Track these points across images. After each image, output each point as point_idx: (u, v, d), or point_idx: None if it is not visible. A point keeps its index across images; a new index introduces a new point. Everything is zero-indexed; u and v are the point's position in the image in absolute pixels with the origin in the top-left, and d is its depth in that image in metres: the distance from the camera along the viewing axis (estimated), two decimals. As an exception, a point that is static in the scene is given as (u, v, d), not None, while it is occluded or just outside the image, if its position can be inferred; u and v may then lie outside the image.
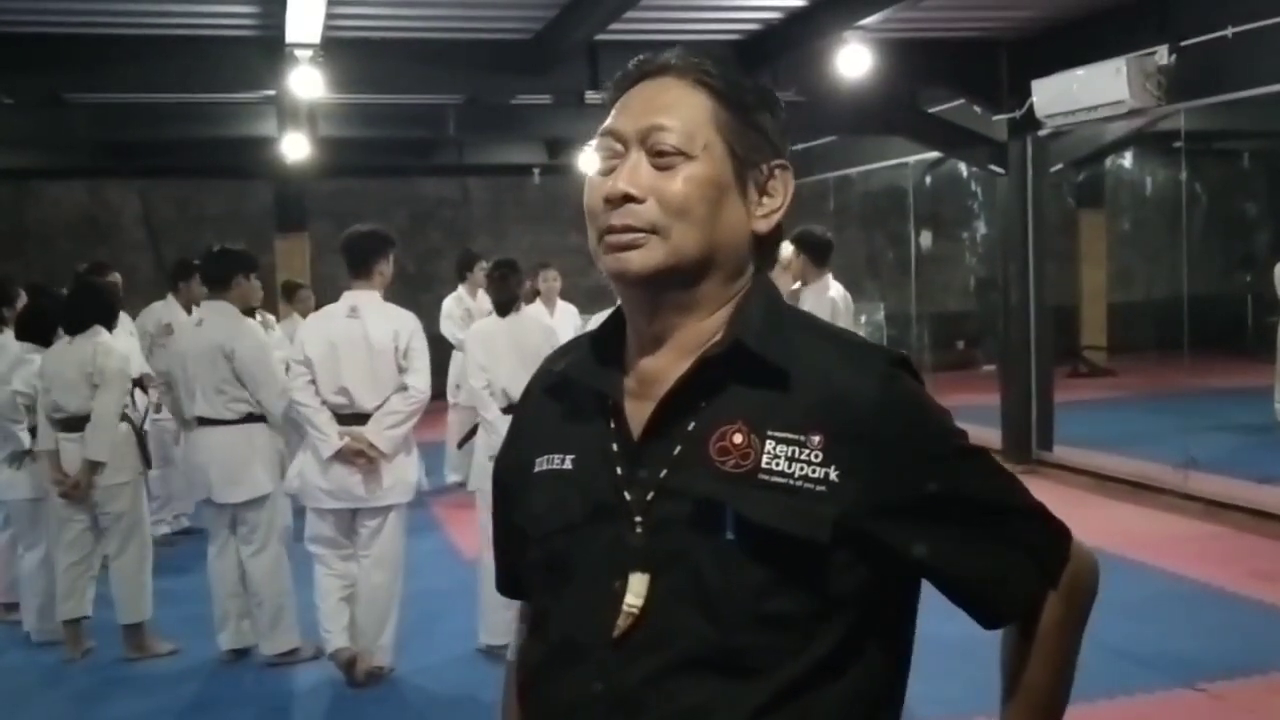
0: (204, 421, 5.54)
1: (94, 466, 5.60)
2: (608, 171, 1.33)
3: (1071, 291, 15.80)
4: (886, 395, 1.29)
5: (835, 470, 1.26)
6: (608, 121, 1.36)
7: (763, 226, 1.35)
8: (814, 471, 1.26)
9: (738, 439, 1.28)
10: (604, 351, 1.39)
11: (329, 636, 5.27)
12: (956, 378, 13.39)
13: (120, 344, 6.00)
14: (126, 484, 5.73)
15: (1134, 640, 5.61)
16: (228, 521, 5.62)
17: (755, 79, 1.41)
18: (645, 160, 1.31)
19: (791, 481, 1.26)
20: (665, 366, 1.33)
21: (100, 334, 5.74)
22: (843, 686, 1.28)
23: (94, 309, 5.83)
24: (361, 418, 5.17)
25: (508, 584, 1.53)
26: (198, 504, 7.75)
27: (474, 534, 6.69)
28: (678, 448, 1.30)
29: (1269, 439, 10.13)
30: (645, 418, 1.32)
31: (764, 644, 1.26)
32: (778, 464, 1.27)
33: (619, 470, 1.32)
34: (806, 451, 1.26)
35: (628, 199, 1.30)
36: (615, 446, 1.34)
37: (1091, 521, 7.86)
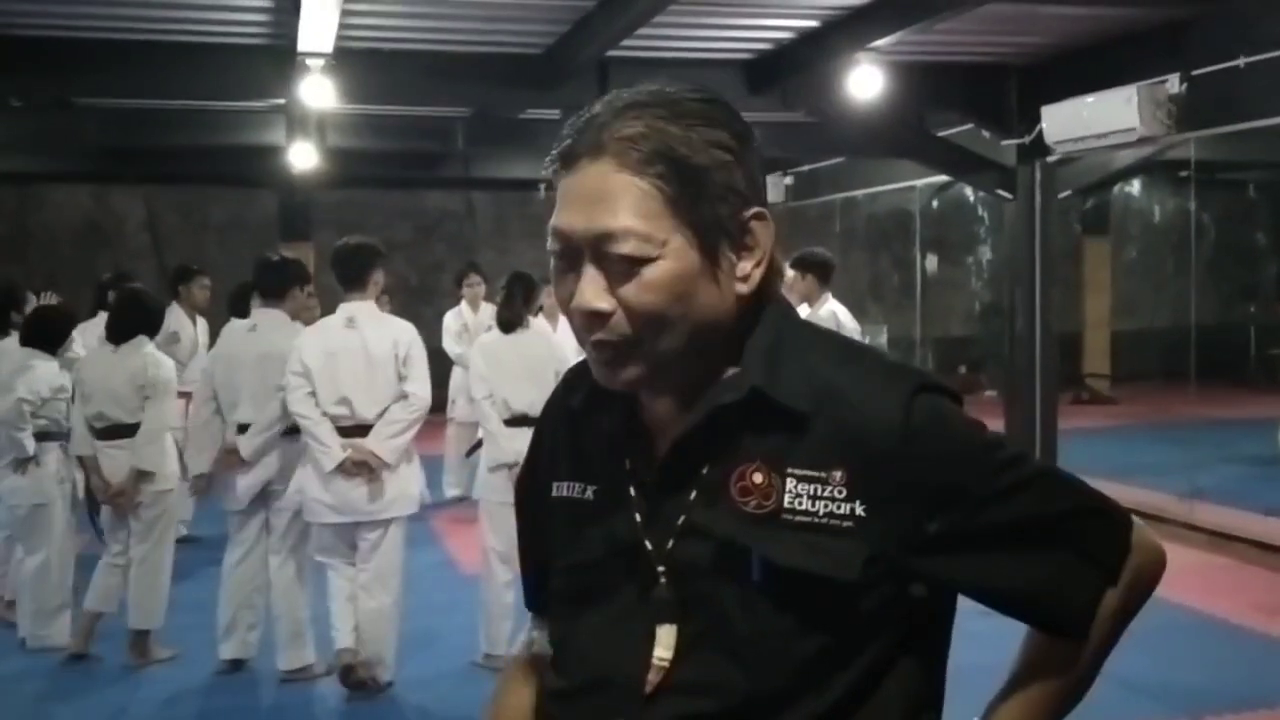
0: (243, 429, 5.51)
1: (143, 475, 5.61)
2: (562, 272, 1.25)
3: (1075, 318, 15.79)
4: (910, 425, 1.22)
5: (861, 505, 1.21)
6: (555, 215, 1.25)
7: (745, 289, 1.26)
8: (839, 508, 1.21)
9: (758, 478, 1.23)
10: (611, 390, 1.34)
11: (336, 635, 5.26)
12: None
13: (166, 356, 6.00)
14: (167, 492, 5.77)
15: (1138, 671, 5.54)
16: (255, 532, 5.58)
17: (716, 114, 1.25)
18: (601, 270, 1.22)
19: (816, 520, 1.21)
20: (673, 411, 1.29)
21: (146, 345, 5.75)
22: (877, 700, 1.25)
23: (139, 319, 5.82)
24: (363, 429, 5.15)
25: (537, 600, 1.49)
26: (201, 511, 7.73)
27: (474, 548, 6.65)
28: (694, 492, 1.26)
29: (1275, 470, 10.10)
30: (658, 461, 1.29)
31: (794, 686, 1.22)
32: (800, 503, 1.22)
33: (637, 517, 1.29)
34: (829, 488, 1.22)
35: (597, 314, 1.23)
36: (632, 491, 1.30)
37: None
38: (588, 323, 1.23)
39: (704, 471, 1.26)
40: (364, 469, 5.12)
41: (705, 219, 1.22)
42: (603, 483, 1.33)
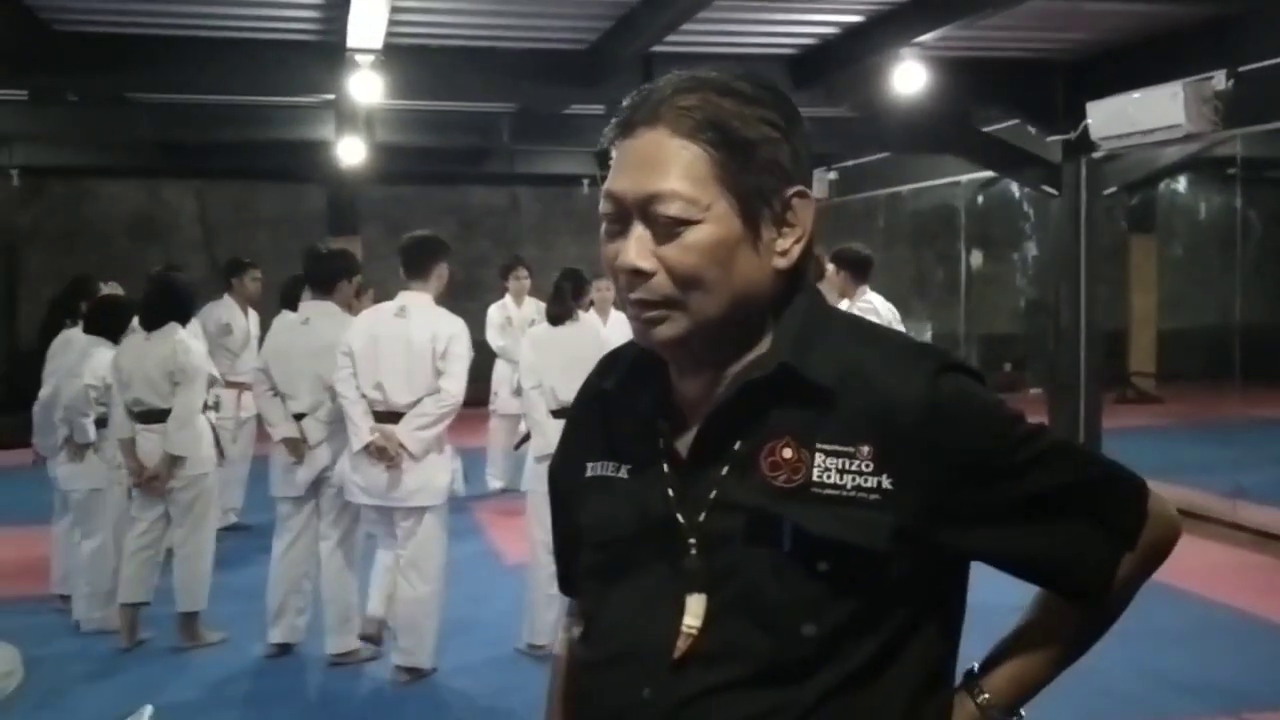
0: (299, 418, 5.62)
1: (175, 460, 5.74)
2: (614, 235, 1.31)
3: (1120, 316, 15.66)
4: (935, 400, 1.27)
5: (888, 479, 1.26)
6: (609, 180, 1.31)
7: (783, 264, 1.31)
8: (866, 481, 1.26)
9: (787, 453, 1.28)
10: (647, 369, 1.40)
11: (369, 602, 5.41)
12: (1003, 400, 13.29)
13: (198, 342, 6.12)
14: (204, 475, 5.89)
15: (1178, 668, 5.57)
16: (305, 519, 5.70)
17: (767, 97, 1.32)
18: (649, 231, 1.28)
19: (844, 493, 1.26)
20: (705, 389, 1.34)
21: (178, 331, 5.87)
22: (896, 668, 1.29)
23: (171, 306, 5.95)
24: (394, 415, 5.26)
25: (570, 583, 1.54)
26: (250, 499, 7.87)
27: (517, 538, 6.74)
28: (726, 467, 1.31)
29: (1320, 471, 9.98)
30: (691, 438, 1.33)
31: (822, 652, 1.26)
32: (829, 476, 1.26)
33: (670, 491, 1.33)
34: (857, 462, 1.26)
35: (639, 273, 1.28)
36: (665, 467, 1.35)
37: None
38: (630, 281, 1.29)
39: (735, 447, 1.30)
40: (385, 455, 5.21)
41: (749, 189, 1.28)
42: (635, 461, 1.38)
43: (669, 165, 1.27)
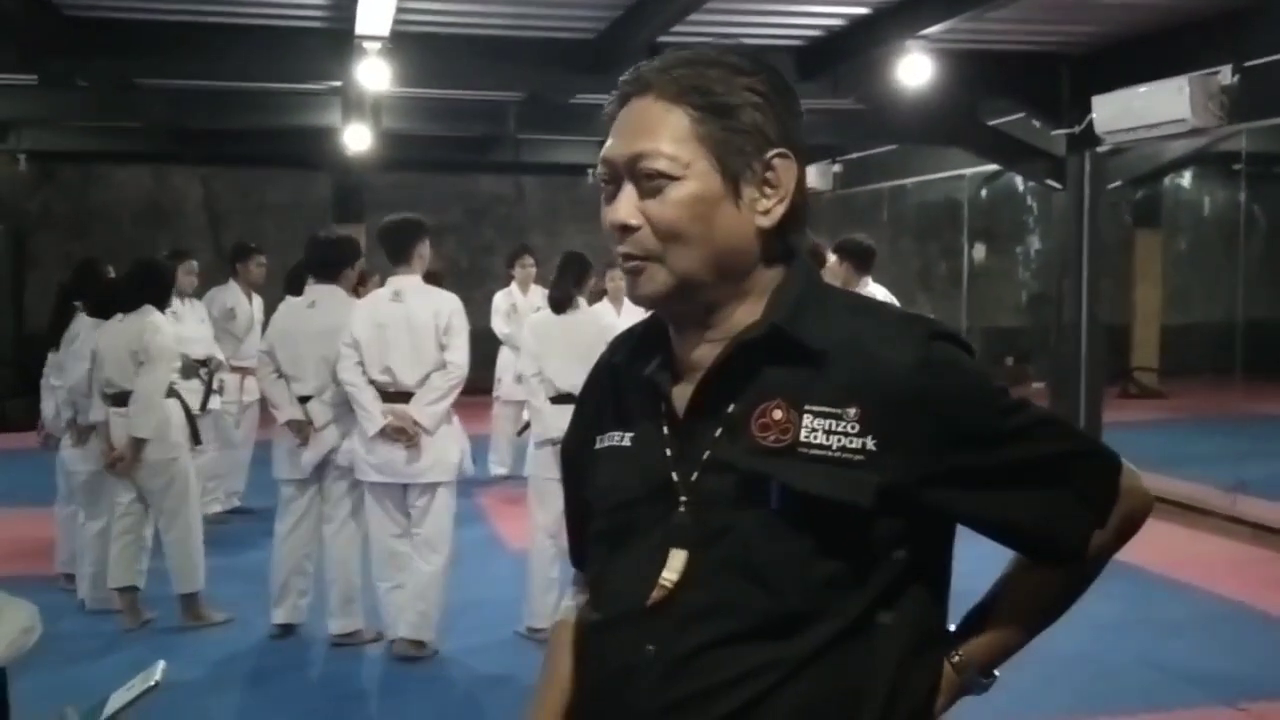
0: (305, 401, 5.66)
1: (138, 443, 5.75)
2: (610, 197, 1.39)
3: (1125, 311, 15.68)
4: (922, 366, 1.32)
5: (873, 440, 1.31)
6: (605, 147, 1.40)
7: (765, 222, 1.37)
8: (852, 442, 1.31)
9: (777, 415, 1.33)
10: (652, 341, 1.46)
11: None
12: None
13: (188, 326, 6.14)
14: (172, 460, 5.88)
15: (1176, 658, 5.61)
16: (308, 501, 5.75)
17: (754, 68, 1.39)
18: (635, 188, 1.36)
19: (830, 453, 1.31)
20: (704, 353, 1.40)
21: (151, 313, 5.88)
22: (886, 625, 1.35)
23: (148, 288, 5.97)
24: (404, 395, 5.38)
25: (580, 556, 1.60)
26: (252, 483, 7.92)
27: (519, 525, 6.78)
28: (719, 428, 1.36)
29: (1321, 467, 10.01)
30: (688, 400, 1.39)
31: (813, 605, 1.32)
32: (816, 437, 1.32)
33: (668, 451, 1.39)
34: (843, 424, 1.31)
35: (626, 228, 1.36)
36: (665, 429, 1.40)
37: (1137, 541, 7.81)
38: (620, 236, 1.37)
39: (730, 409, 1.36)
40: (403, 434, 5.32)
41: (730, 149, 1.35)
42: (640, 428, 1.44)
43: (654, 127, 1.36)
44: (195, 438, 6.14)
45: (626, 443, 1.45)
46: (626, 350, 1.50)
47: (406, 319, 5.38)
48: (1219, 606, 6.55)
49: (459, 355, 5.43)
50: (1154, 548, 7.63)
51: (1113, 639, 5.85)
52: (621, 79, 1.42)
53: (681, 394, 1.41)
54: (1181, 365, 15.85)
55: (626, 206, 1.36)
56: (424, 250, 5.52)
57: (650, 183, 1.35)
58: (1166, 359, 16.16)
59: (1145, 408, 14.40)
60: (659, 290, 1.37)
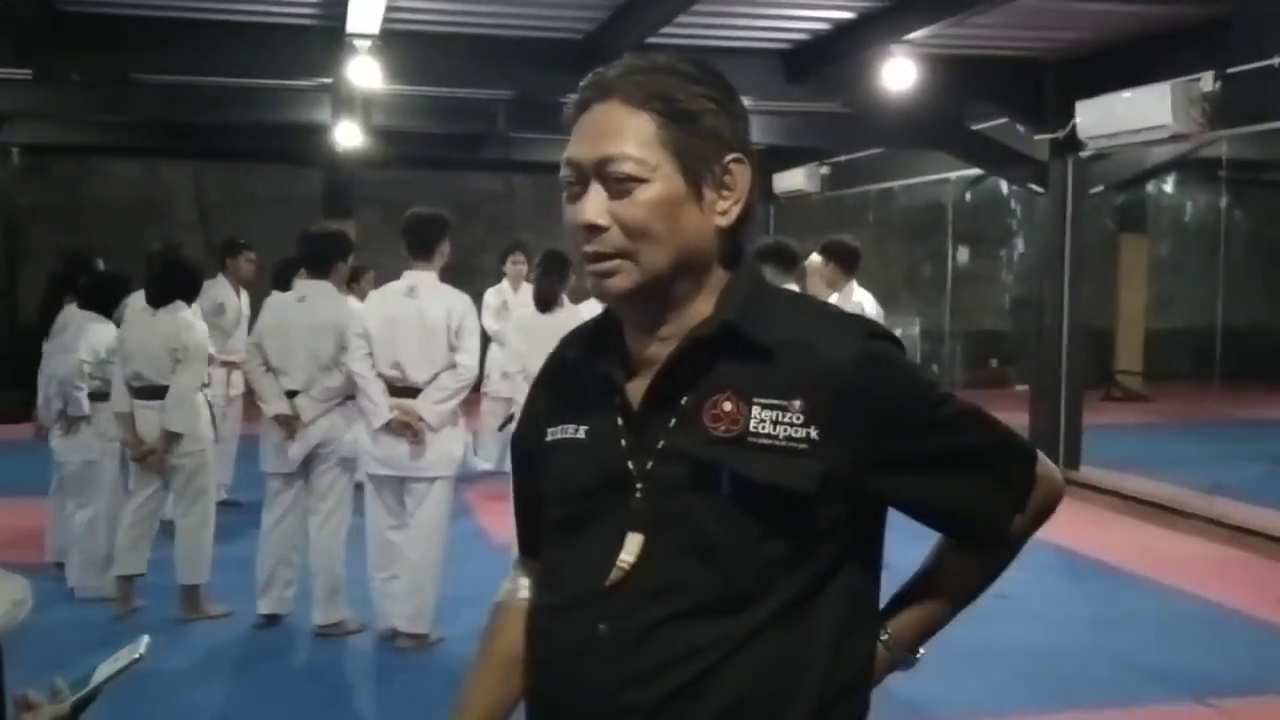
0: (292, 395, 5.72)
1: (173, 437, 5.83)
2: (574, 198, 1.45)
3: (1109, 315, 15.78)
4: (862, 361, 1.42)
5: (816, 430, 1.39)
6: (568, 149, 1.46)
7: (723, 222, 1.45)
8: (797, 432, 1.39)
9: (727, 406, 1.42)
10: (604, 338, 1.54)
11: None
12: (988, 396, 13.42)
13: (201, 321, 6.21)
14: (201, 451, 5.98)
15: (1149, 655, 5.70)
16: (294, 494, 5.81)
17: (707, 77, 1.46)
18: (603, 189, 1.42)
19: (777, 442, 1.39)
20: (658, 349, 1.48)
21: (182, 309, 5.97)
22: (824, 601, 1.44)
23: (178, 284, 6.04)
24: (412, 391, 5.41)
25: (529, 543, 1.66)
26: (239, 476, 7.97)
27: (504, 519, 6.83)
28: (673, 419, 1.44)
29: (1298, 470, 10.13)
30: (643, 392, 1.47)
31: (760, 584, 1.41)
32: (764, 427, 1.40)
33: (623, 442, 1.47)
34: (789, 415, 1.40)
35: (594, 228, 1.42)
36: (620, 421, 1.48)
37: (1115, 541, 7.95)
38: (587, 235, 1.44)
39: (682, 401, 1.45)
40: (408, 429, 5.37)
41: (692, 153, 1.43)
42: (593, 420, 1.51)
43: (621, 131, 1.42)
44: (216, 433, 6.28)
45: (580, 435, 1.51)
46: (579, 346, 1.57)
47: (419, 316, 5.40)
48: (1195, 605, 6.64)
49: (469, 358, 5.47)
50: (1133, 548, 7.77)
51: (1087, 636, 5.94)
52: (582, 84, 1.48)
53: (636, 388, 1.48)
54: (1164, 369, 15.97)
55: (595, 207, 1.42)
56: (445, 248, 5.55)
57: (619, 185, 1.41)
58: (1150, 363, 16.28)
59: (1129, 411, 14.52)
60: (628, 287, 1.44)
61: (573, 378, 1.57)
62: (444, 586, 5.77)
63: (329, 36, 8.03)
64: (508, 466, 5.99)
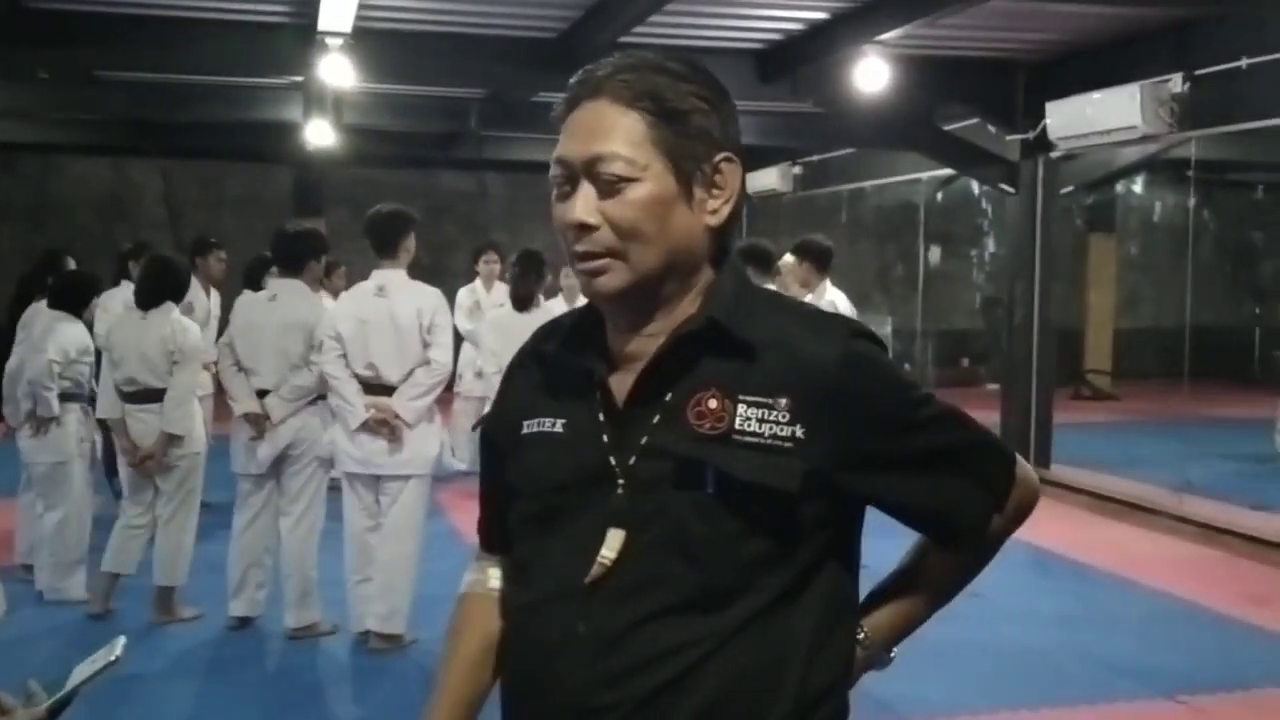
0: (263, 395, 5.67)
1: (173, 439, 5.77)
2: (564, 196, 1.44)
3: (1078, 315, 15.89)
4: (846, 361, 1.42)
5: (801, 429, 1.39)
6: (558, 148, 1.45)
7: (713, 221, 1.45)
8: (782, 430, 1.39)
9: (713, 404, 1.41)
10: (585, 333, 1.52)
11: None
12: (959, 394, 13.44)
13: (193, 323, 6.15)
14: (195, 454, 5.94)
15: (1119, 652, 5.73)
16: (265, 495, 5.77)
17: (696, 75, 1.46)
18: (593, 188, 1.41)
19: (763, 440, 1.39)
20: (642, 346, 1.47)
21: (173, 311, 5.90)
22: (805, 599, 1.44)
23: (167, 285, 5.96)
24: (387, 389, 5.40)
25: (495, 538, 1.63)
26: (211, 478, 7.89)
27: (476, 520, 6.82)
28: (657, 415, 1.43)
29: (1267, 469, 10.23)
30: (627, 390, 1.45)
31: (741, 581, 1.40)
32: (749, 425, 1.40)
33: (605, 438, 1.45)
34: (774, 413, 1.40)
35: (584, 227, 1.42)
36: (601, 416, 1.46)
37: (1087, 539, 7.99)
38: (577, 235, 1.43)
39: (667, 398, 1.44)
40: (385, 426, 5.36)
41: (682, 152, 1.43)
42: (573, 415, 1.49)
43: (611, 130, 1.42)
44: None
45: (558, 429, 1.49)
46: (556, 340, 1.55)
47: (390, 315, 5.38)
48: (1164, 603, 6.69)
49: (442, 353, 5.46)
50: (1104, 546, 7.82)
51: (1059, 634, 5.98)
52: (571, 81, 1.47)
53: (619, 383, 1.47)
54: (1133, 368, 16.09)
55: (585, 206, 1.42)
56: (410, 244, 5.52)
57: (609, 184, 1.41)
58: (1119, 362, 16.40)
59: (1098, 410, 14.62)
60: (618, 287, 1.43)
61: (548, 371, 1.55)
62: (418, 587, 5.75)
63: (300, 34, 7.99)
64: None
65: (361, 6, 7.30)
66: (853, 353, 1.44)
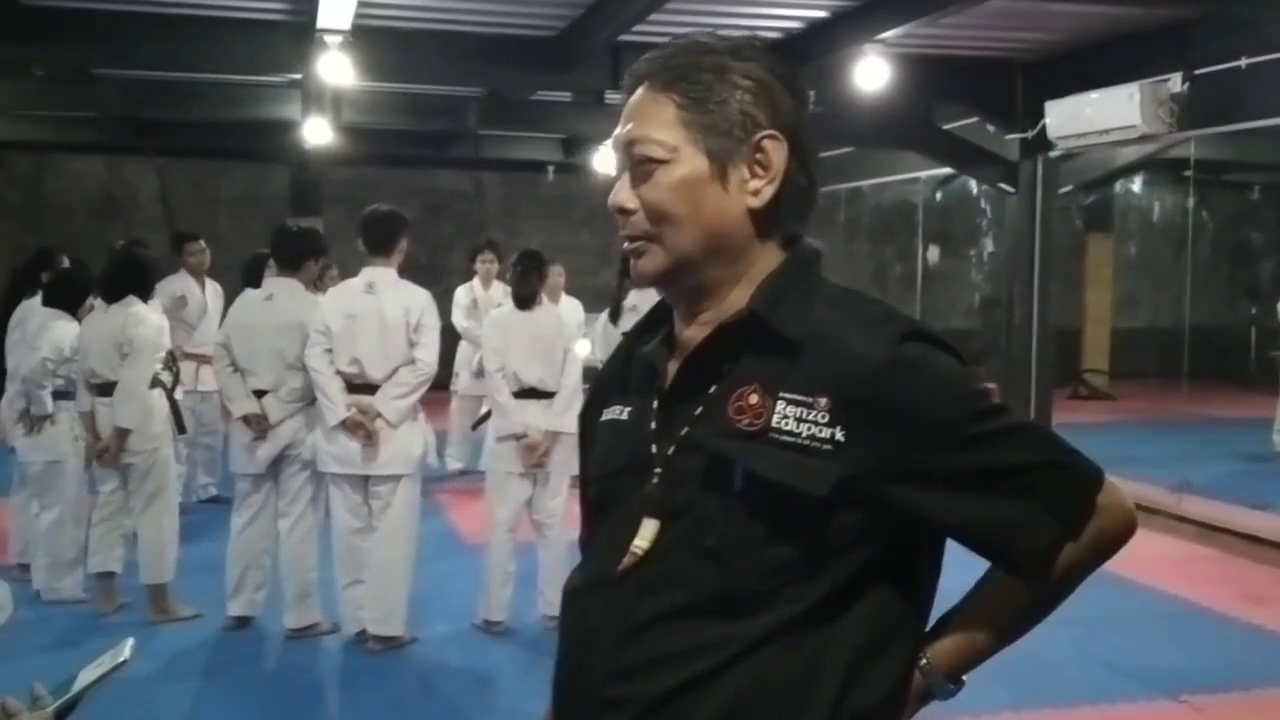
0: (260, 395, 5.64)
1: (122, 433, 5.74)
2: (618, 181, 1.46)
3: (1076, 314, 15.88)
4: (891, 366, 1.34)
5: (841, 431, 1.33)
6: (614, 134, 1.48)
7: (755, 203, 1.41)
8: (821, 431, 1.33)
9: (753, 399, 1.37)
10: (659, 319, 1.53)
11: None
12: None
13: (154, 315, 6.13)
14: (153, 450, 5.88)
15: (1121, 652, 5.72)
16: (264, 495, 5.74)
17: (750, 54, 1.44)
18: (630, 173, 1.43)
19: (799, 440, 1.34)
20: (696, 334, 1.45)
21: (134, 304, 5.87)
22: (847, 619, 1.36)
23: (130, 279, 5.95)
24: (371, 388, 5.38)
25: (584, 528, 1.64)
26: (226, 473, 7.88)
27: (476, 519, 6.81)
28: (700, 408, 1.41)
29: (1266, 468, 10.23)
30: (672, 377, 1.45)
31: (764, 588, 1.35)
32: (787, 424, 1.35)
33: (653, 425, 1.44)
34: (814, 413, 1.34)
35: (624, 211, 1.43)
36: (655, 403, 1.45)
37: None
38: (621, 219, 1.45)
39: (711, 390, 1.41)
40: (362, 429, 5.34)
41: (714, 133, 1.41)
42: (637, 403, 1.49)
43: (644, 114, 1.43)
44: (180, 427, 6.21)
45: (624, 416, 1.50)
46: (638, 328, 1.56)
47: (379, 313, 5.37)
48: (1164, 603, 6.68)
49: (428, 353, 5.43)
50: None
51: (1056, 633, 5.88)
52: (628, 69, 1.49)
53: (674, 372, 1.46)
54: (1131, 368, 16.09)
55: (624, 190, 1.44)
56: (403, 244, 5.51)
57: (642, 167, 1.42)
58: (1116, 362, 16.40)
59: (1096, 409, 14.61)
60: (656, 269, 1.43)
61: (629, 360, 1.55)
62: (415, 587, 5.73)
63: (299, 32, 7.95)
64: (480, 465, 5.99)
65: (360, 4, 7.27)
66: (901, 358, 1.35)
